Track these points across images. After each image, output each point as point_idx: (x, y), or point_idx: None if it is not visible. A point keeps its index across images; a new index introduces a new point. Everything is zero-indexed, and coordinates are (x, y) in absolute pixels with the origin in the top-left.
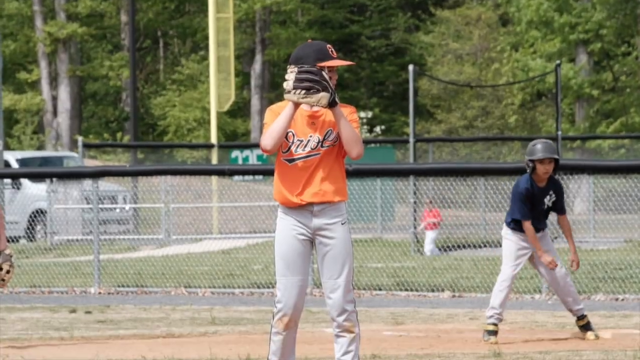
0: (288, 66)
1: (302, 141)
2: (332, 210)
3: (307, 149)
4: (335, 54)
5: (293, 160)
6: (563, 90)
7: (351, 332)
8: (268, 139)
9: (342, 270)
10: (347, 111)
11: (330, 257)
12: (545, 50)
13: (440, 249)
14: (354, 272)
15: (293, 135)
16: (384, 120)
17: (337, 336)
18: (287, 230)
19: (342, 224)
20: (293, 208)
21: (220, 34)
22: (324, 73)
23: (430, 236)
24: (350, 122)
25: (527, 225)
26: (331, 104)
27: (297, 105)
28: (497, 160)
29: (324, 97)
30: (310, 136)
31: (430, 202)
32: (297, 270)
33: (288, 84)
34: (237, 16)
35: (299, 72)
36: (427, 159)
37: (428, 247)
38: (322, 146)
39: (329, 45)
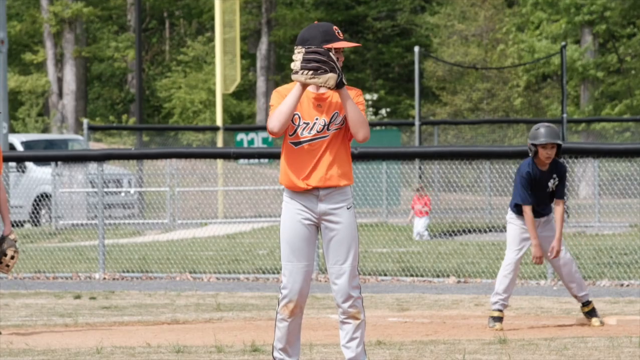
0: (295, 47)
1: (308, 124)
2: (338, 194)
3: (313, 131)
4: (341, 35)
5: (299, 143)
6: (568, 72)
7: (357, 318)
8: (275, 121)
9: (347, 256)
10: (353, 94)
11: (335, 242)
12: (550, 31)
13: (431, 235)
14: (359, 257)
15: (299, 117)
16: (389, 102)
17: (343, 322)
18: (292, 215)
19: (348, 208)
20: (299, 192)
21: (226, 14)
22: (331, 54)
23: (419, 223)
24: (357, 104)
25: (527, 209)
26: (338, 85)
27: (304, 86)
28: (502, 143)
29: (331, 77)
30: (317, 119)
31: (420, 188)
32: (302, 256)
33: (295, 65)
34: None
35: (307, 53)
36: (432, 142)
37: (417, 232)
38: (328, 129)
39: (335, 27)
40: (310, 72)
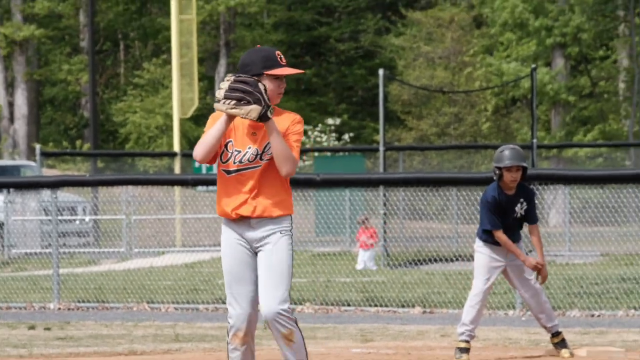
0: (226, 75)
1: (240, 152)
2: (272, 223)
3: (245, 160)
4: (284, 61)
5: (230, 172)
6: (538, 96)
7: (290, 340)
8: (198, 148)
9: (279, 280)
10: (289, 120)
11: (265, 265)
12: (520, 53)
13: (377, 265)
14: (291, 281)
15: (232, 145)
16: (352, 127)
17: (279, 345)
18: (230, 241)
19: (281, 233)
20: (232, 220)
21: (183, 36)
22: (260, 84)
23: (364, 255)
24: (291, 134)
25: (499, 234)
26: (262, 118)
27: (230, 116)
28: (470, 169)
29: (254, 110)
30: (249, 147)
31: (365, 219)
32: (245, 281)
33: (219, 93)
34: (200, 18)
35: (234, 82)
36: (397, 168)
37: (360, 264)
38: (261, 159)
39: (278, 52)
40: (233, 102)
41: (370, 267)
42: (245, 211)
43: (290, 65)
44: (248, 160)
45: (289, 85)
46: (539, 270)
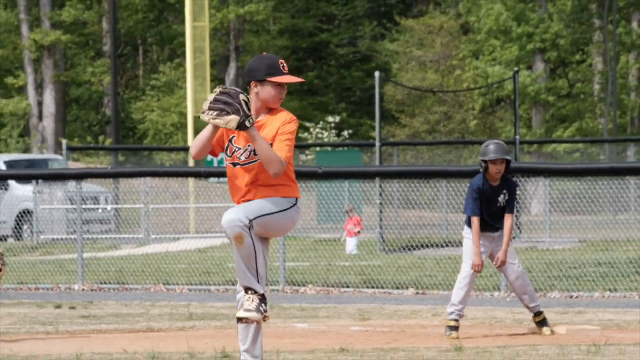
0: (216, 86)
1: (240, 149)
2: None
3: (242, 157)
4: (286, 69)
5: (235, 164)
6: (521, 96)
7: (240, 242)
8: (192, 145)
9: (247, 207)
10: (280, 121)
11: None
12: (503, 57)
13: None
14: (259, 218)
15: (235, 140)
16: (351, 124)
17: (233, 250)
18: None
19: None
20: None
21: (197, 41)
22: (241, 95)
23: (351, 242)
24: (280, 134)
25: (474, 220)
26: (240, 127)
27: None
28: (458, 163)
29: (232, 120)
30: (248, 146)
31: (350, 209)
32: None
33: (205, 104)
34: (212, 25)
35: (218, 94)
36: (392, 162)
37: (349, 250)
38: (256, 154)
39: (281, 60)
40: (215, 112)
41: (353, 252)
42: (247, 197)
43: (292, 69)
44: (245, 157)
45: (294, 86)
46: (477, 271)
